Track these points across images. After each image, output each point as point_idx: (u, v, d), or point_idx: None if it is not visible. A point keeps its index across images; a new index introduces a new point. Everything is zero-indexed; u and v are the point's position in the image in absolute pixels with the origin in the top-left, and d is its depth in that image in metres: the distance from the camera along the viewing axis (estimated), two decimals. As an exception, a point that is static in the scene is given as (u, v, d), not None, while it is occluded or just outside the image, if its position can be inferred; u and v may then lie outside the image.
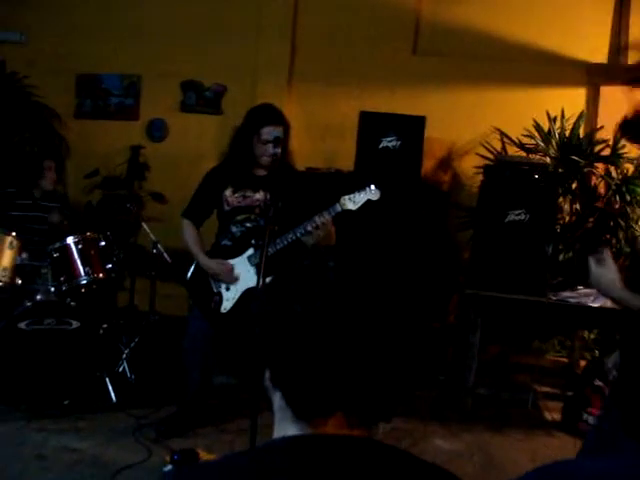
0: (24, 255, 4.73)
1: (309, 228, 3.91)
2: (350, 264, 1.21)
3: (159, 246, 5.32)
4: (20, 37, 7.29)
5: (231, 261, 4.14)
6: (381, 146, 5.66)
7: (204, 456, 4.04)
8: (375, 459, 1.12)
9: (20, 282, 4.73)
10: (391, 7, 6.52)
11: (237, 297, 4.12)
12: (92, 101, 7.25)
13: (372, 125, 5.75)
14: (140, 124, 7.13)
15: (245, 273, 4.11)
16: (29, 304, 4.62)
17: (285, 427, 1.17)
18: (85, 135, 7.09)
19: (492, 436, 4.90)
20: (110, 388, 4.78)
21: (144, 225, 5.39)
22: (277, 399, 1.18)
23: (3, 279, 4.57)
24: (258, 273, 4.01)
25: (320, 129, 6.43)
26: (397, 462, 1.14)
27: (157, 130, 7.10)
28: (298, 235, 3.92)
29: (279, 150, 3.79)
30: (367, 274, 1.21)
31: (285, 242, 3.89)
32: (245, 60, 6.74)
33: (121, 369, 5.19)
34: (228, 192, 4.17)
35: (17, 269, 4.68)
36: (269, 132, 4.01)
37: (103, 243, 4.88)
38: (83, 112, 7.28)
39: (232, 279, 4.12)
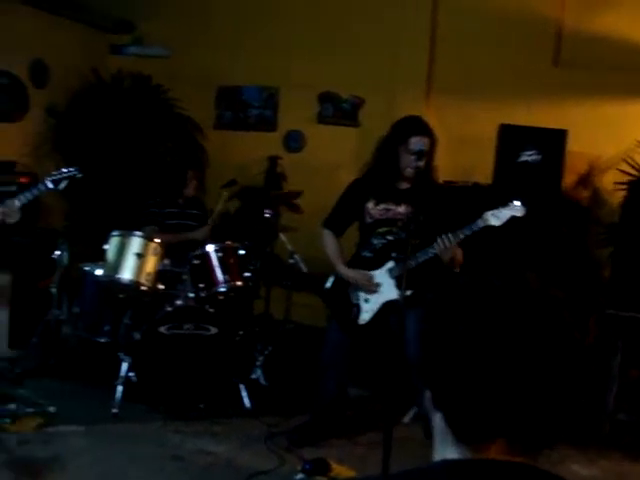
0: (166, 261, 4.90)
1: (448, 243, 3.85)
2: (516, 283, 1.16)
3: (295, 256, 5.38)
4: (164, 52, 7.58)
5: (371, 273, 4.12)
6: (520, 160, 5.54)
7: (336, 468, 4.05)
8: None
9: (162, 287, 4.89)
10: (532, 18, 6.36)
11: (376, 309, 4.10)
12: (232, 113, 7.46)
13: (511, 138, 5.64)
14: (278, 135, 7.28)
15: (385, 285, 4.08)
16: (170, 309, 4.77)
17: (445, 450, 1.14)
18: (224, 146, 7.30)
19: (632, 465, 4.68)
20: (244, 394, 4.86)
21: (281, 235, 5.47)
22: (438, 420, 1.15)
23: (147, 284, 4.74)
24: (398, 286, 4.00)
25: (457, 142, 6.32)
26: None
27: (294, 141, 7.22)
28: (436, 249, 3.86)
29: (422, 163, 3.74)
30: (528, 292, 1.17)
31: (426, 256, 3.85)
32: (383, 72, 6.76)
33: (255, 376, 5.28)
34: (370, 204, 4.15)
35: (159, 275, 4.84)
36: (416, 142, 3.98)
37: (242, 252, 4.99)
38: (223, 123, 7.50)
39: (372, 290, 4.10)
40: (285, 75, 7.12)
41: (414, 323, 3.71)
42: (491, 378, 1.07)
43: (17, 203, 4.08)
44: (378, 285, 4.11)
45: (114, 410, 4.67)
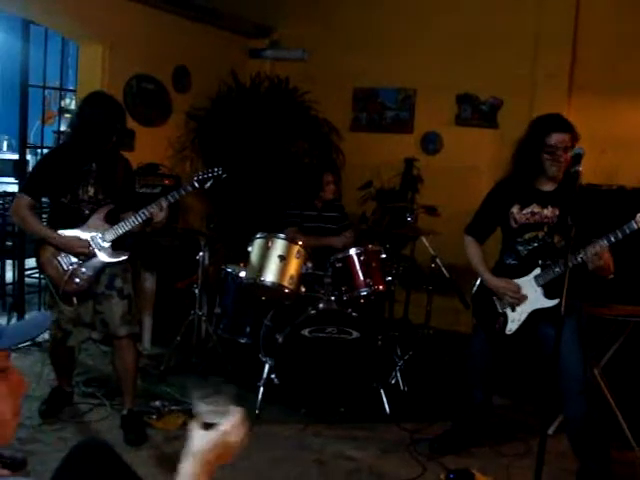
0: (309, 264, 4.91)
1: (599, 248, 3.68)
2: None
3: (437, 260, 5.31)
4: (302, 54, 7.66)
5: (517, 281, 3.99)
6: (674, 162, 5.27)
7: (480, 478, 3.96)
8: None
9: (304, 290, 4.91)
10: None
11: (523, 319, 3.96)
12: (368, 114, 7.47)
13: (664, 139, 5.38)
14: (414, 137, 7.25)
15: (532, 294, 3.94)
16: (313, 312, 4.79)
17: None
18: (360, 148, 7.32)
19: None
20: (384, 400, 4.82)
21: (423, 239, 5.40)
22: None
23: (289, 286, 4.76)
24: (547, 294, 3.87)
25: (601, 142, 6.07)
26: None
27: (431, 143, 7.16)
28: (588, 254, 3.69)
29: (580, 167, 3.57)
30: None
31: (575, 262, 3.69)
32: (522, 73, 6.61)
33: (394, 381, 5.24)
34: (515, 209, 4.01)
35: (302, 277, 4.86)
36: (556, 139, 3.85)
37: (384, 256, 4.96)
38: (359, 125, 7.53)
39: (519, 299, 3.98)
40: (422, 76, 7.07)
41: (567, 333, 3.56)
42: None
43: (164, 203, 4.18)
44: (523, 298, 3.98)
45: (256, 411, 4.73)
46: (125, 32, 6.35)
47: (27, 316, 1.76)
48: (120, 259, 4.21)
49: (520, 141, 4.06)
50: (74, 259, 4.11)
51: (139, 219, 4.13)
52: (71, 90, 7.40)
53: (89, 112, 4.11)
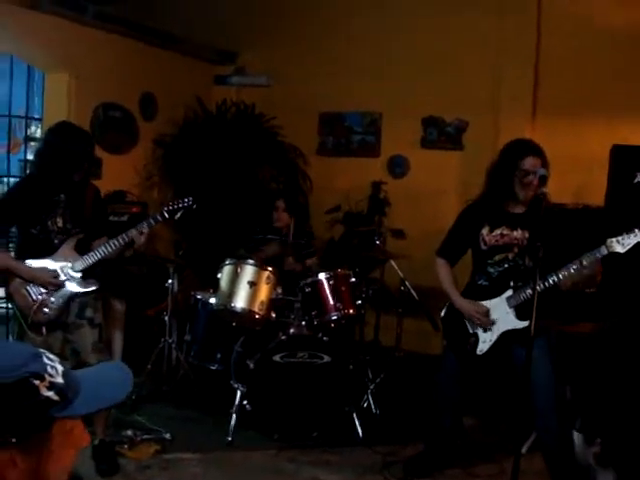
0: (279, 289, 4.92)
1: (572, 270, 3.73)
2: None
3: (407, 283, 5.34)
4: (267, 81, 7.71)
5: (488, 302, 4.03)
6: (636, 181, 5.35)
7: (453, 499, 3.98)
8: None
9: (274, 315, 4.91)
10: (640, 32, 6.19)
11: (494, 339, 4.00)
12: (334, 139, 7.52)
13: (626, 159, 5.44)
14: (381, 160, 7.31)
15: (503, 315, 3.97)
16: (284, 337, 4.79)
17: None
18: (327, 172, 7.36)
19: None
20: (357, 423, 4.81)
21: (392, 262, 5.43)
22: None
23: (260, 312, 4.77)
24: (518, 315, 3.91)
25: (566, 163, 6.11)
26: None
27: (398, 166, 7.22)
28: (561, 277, 3.75)
29: (546, 189, 3.64)
30: None
31: (546, 284, 3.74)
32: (487, 94, 6.69)
33: (366, 404, 5.25)
34: (485, 230, 4.07)
35: (272, 303, 4.87)
36: (529, 163, 3.91)
37: (353, 279, 4.97)
38: (325, 150, 7.58)
39: (488, 322, 4.01)
40: (388, 100, 7.14)
41: (537, 352, 3.59)
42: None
43: (134, 232, 4.15)
44: (494, 320, 4.02)
45: (228, 438, 4.71)
46: (91, 60, 6.34)
47: (102, 366, 1.67)
48: (90, 289, 4.17)
49: (493, 164, 4.13)
50: (43, 289, 4.07)
51: (110, 248, 4.09)
52: (37, 119, 7.37)
53: (57, 141, 4.06)
